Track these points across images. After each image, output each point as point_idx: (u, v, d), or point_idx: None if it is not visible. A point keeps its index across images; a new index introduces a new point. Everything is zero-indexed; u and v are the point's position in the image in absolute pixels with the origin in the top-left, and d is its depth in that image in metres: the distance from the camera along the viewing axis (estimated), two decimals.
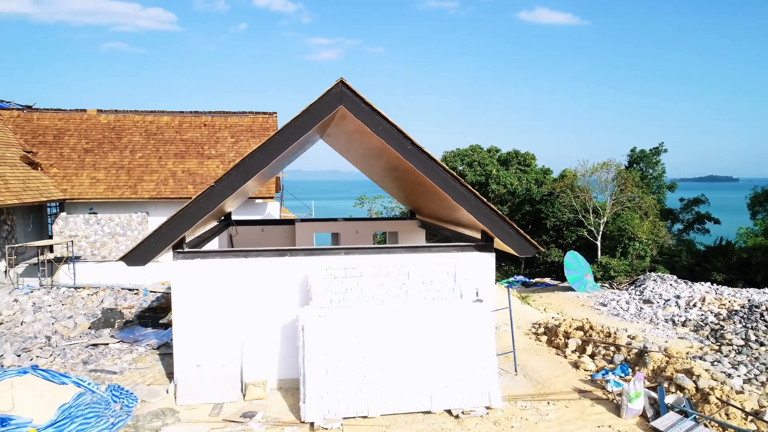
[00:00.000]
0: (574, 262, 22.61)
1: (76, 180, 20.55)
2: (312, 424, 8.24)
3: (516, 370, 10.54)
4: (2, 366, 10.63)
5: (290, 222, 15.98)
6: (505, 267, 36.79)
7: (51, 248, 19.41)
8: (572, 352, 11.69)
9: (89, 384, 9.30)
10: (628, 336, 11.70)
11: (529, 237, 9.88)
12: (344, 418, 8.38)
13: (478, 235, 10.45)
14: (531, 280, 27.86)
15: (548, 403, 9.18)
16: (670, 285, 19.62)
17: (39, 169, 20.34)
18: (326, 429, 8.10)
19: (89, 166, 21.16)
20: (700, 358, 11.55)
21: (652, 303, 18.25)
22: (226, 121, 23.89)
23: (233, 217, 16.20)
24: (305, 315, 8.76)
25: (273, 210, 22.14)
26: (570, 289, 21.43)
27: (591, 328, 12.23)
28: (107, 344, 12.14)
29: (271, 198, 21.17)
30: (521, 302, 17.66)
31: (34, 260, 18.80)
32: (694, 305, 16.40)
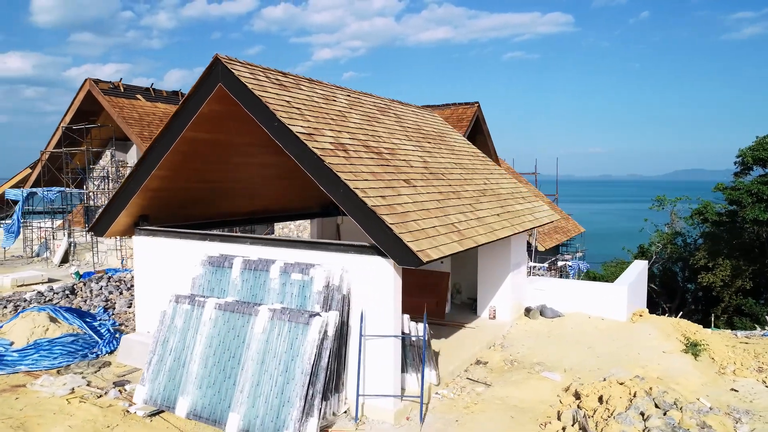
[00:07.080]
0: None
1: None
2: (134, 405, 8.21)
3: None
4: (101, 308, 14.04)
5: None
6: None
7: None
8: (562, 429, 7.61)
9: (100, 326, 11.50)
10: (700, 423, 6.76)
11: (402, 238, 7.06)
12: (158, 410, 7.99)
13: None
14: None
15: None
16: None
17: None
18: (131, 413, 7.94)
19: None
20: None
21: None
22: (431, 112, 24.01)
23: None
24: (168, 300, 8.71)
25: None
26: None
27: (636, 394, 7.62)
28: None
29: None
30: (683, 351, 11.85)
31: None
32: None
